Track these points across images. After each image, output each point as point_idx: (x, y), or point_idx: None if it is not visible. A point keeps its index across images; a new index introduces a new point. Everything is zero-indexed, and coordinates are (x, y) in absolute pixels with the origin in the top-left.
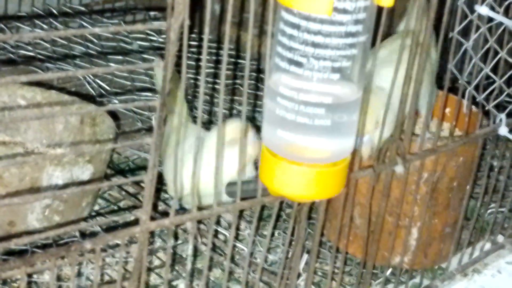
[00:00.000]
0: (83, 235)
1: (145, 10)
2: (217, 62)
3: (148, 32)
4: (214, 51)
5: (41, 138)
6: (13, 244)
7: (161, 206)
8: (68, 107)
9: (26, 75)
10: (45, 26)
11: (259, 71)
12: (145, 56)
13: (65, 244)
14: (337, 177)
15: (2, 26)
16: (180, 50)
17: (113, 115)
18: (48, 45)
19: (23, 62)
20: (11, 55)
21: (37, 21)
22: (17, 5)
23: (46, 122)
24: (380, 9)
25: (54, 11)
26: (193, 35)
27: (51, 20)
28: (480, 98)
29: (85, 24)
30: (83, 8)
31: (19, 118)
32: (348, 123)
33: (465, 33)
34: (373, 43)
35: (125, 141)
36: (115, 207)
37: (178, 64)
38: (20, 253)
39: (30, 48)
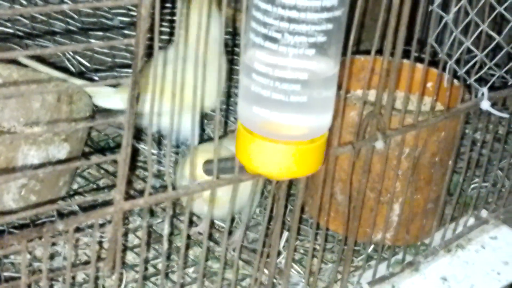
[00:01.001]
0: (61, 214)
1: None
2: None
3: (129, 7)
4: None
5: (17, 116)
6: None
7: (140, 185)
8: (45, 85)
9: (2, 53)
10: (24, 2)
11: (235, 46)
12: (126, 32)
13: (43, 224)
14: (315, 154)
15: None
16: (153, 25)
17: None
18: (27, 22)
19: (1, 39)
20: None
21: None
22: None
23: (22, 100)
24: None
25: None
26: (166, 10)
27: None
28: (462, 72)
29: (65, 0)
30: None
31: None
32: (325, 99)
33: (445, 6)
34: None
35: (102, 119)
36: (94, 186)
37: (150, 39)
38: None
39: (9, 24)
